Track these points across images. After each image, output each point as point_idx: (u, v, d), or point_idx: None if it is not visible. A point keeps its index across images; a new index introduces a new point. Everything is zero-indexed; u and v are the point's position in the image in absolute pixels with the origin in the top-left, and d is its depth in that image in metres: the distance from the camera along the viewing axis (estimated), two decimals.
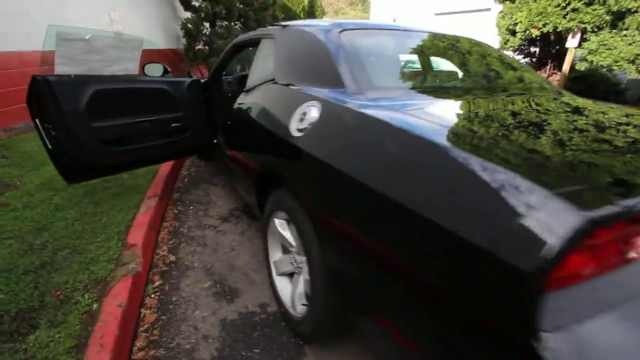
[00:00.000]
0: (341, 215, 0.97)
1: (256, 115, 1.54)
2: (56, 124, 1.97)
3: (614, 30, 5.89)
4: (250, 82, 1.85)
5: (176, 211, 2.53)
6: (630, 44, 5.56)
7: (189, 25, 7.68)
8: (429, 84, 1.44)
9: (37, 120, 1.99)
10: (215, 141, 2.97)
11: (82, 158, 2.11)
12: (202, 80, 2.76)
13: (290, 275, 1.56)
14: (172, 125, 2.53)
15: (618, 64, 5.87)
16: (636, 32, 5.50)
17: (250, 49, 2.39)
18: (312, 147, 1.03)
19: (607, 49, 6.00)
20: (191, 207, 2.60)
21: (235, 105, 1.88)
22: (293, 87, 1.31)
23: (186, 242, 2.13)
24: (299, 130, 1.12)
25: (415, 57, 1.67)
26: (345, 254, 1.00)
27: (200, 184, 3.05)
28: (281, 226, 1.51)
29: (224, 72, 2.81)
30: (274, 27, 1.78)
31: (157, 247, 2.06)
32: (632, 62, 5.67)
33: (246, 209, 2.59)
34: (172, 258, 1.95)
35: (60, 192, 2.51)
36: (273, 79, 1.54)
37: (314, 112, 1.09)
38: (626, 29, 5.65)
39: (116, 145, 2.24)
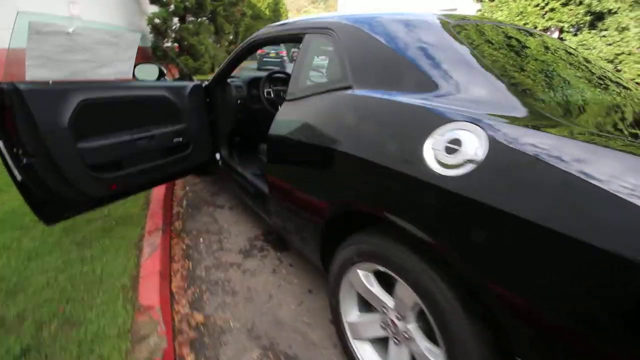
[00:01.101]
0: (549, 304, 0.64)
1: (329, 135, 1.15)
2: (29, 148, 1.46)
3: (593, 31, 6.05)
4: (297, 90, 1.46)
5: (184, 246, 2.06)
6: (609, 44, 5.73)
7: (157, 21, 6.96)
8: (574, 97, 1.11)
9: None
10: (218, 156, 2.53)
11: (65, 191, 1.61)
12: (204, 84, 2.32)
13: (378, 340, 1.21)
14: (174, 140, 2.07)
15: None
16: (615, 32, 5.67)
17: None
18: (491, 196, 0.69)
19: (586, 49, 6.17)
20: (201, 239, 2.14)
21: (280, 120, 1.48)
22: (404, 101, 0.95)
23: (209, 291, 1.69)
24: (447, 166, 0.77)
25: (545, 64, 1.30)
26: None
27: (203, 206, 2.59)
28: (367, 280, 1.15)
29: (230, 75, 2.37)
30: (326, 19, 1.40)
31: (174, 301, 1.61)
32: (611, 61, 5.85)
33: (269, 237, 2.18)
34: (199, 317, 1.51)
35: (30, 232, 1.95)
36: (348, 86, 1.17)
37: (474, 142, 0.74)
38: (605, 30, 5.82)
39: (109, 171, 1.75)
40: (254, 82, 2.56)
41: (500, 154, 0.72)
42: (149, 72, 2.07)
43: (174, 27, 7.32)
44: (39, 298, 1.45)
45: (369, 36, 1.19)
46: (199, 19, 7.85)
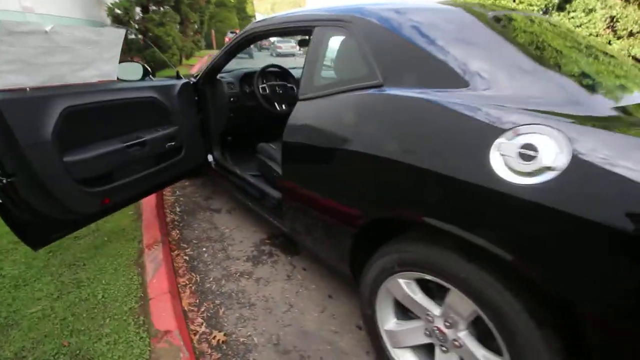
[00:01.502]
0: None
1: (366, 139, 1.06)
2: (8, 167, 1.28)
3: (561, 13, 6.25)
4: (312, 88, 1.35)
5: (186, 257, 1.93)
6: (578, 26, 5.94)
7: (118, 11, 6.44)
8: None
9: None
10: (210, 157, 2.39)
11: (52, 210, 1.44)
12: (192, 81, 2.15)
13: (420, 347, 1.17)
14: (167, 145, 1.91)
15: None
16: (582, 14, 5.88)
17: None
18: (577, 205, 0.64)
19: None
20: (204, 249, 2.01)
21: (298, 122, 1.37)
22: (461, 102, 0.88)
23: (225, 306, 1.59)
24: (521, 174, 0.71)
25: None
26: None
27: (198, 211, 2.44)
28: (410, 288, 1.10)
29: (220, 71, 2.21)
30: (342, 11, 1.29)
31: (188, 320, 1.49)
32: None
33: (276, 241, 2.09)
34: (220, 336, 1.41)
35: (10, 255, 1.75)
36: (378, 84, 1.09)
37: (552, 147, 0.69)
38: (573, 11, 6.02)
39: (100, 184, 1.58)
40: (246, 78, 2.40)
41: (585, 160, 0.67)
42: (132, 71, 1.87)
43: (137, 18, 6.82)
44: (36, 333, 1.30)
45: (397, 29, 1.10)
46: (163, 9, 7.36)
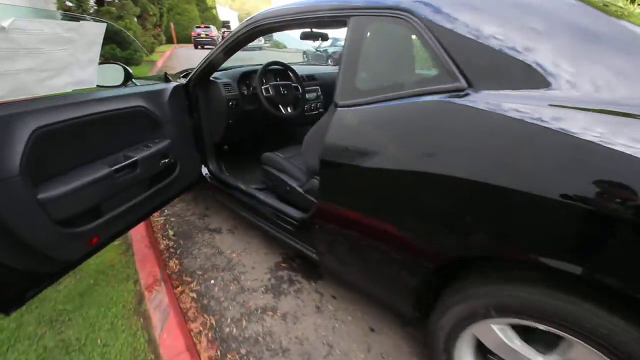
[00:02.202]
0: None
1: (457, 159, 0.84)
2: None
3: None
4: (355, 92, 1.11)
5: (193, 294, 1.64)
6: None
7: (69, 3, 5.75)
8: None
9: None
10: (205, 170, 2.09)
11: (27, 263, 1.12)
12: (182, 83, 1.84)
13: None
14: (161, 162, 1.60)
15: None
16: None
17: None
18: None
19: None
20: (212, 281, 1.73)
21: (342, 135, 1.12)
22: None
23: (254, 356, 1.33)
24: None
25: None
26: None
27: (195, 233, 2.13)
28: (505, 335, 0.91)
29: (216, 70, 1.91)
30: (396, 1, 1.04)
31: None
32: None
33: (293, 264, 1.85)
34: None
35: None
36: (460, 88, 0.87)
37: None
38: None
39: (87, 221, 1.26)
40: (244, 78, 2.10)
41: None
42: (111, 76, 1.54)
43: (91, 11, 6.13)
44: None
45: (484, 20, 0.89)
46: (120, 0, 6.68)
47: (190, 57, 11.67)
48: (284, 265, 1.85)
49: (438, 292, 1.06)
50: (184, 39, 20.76)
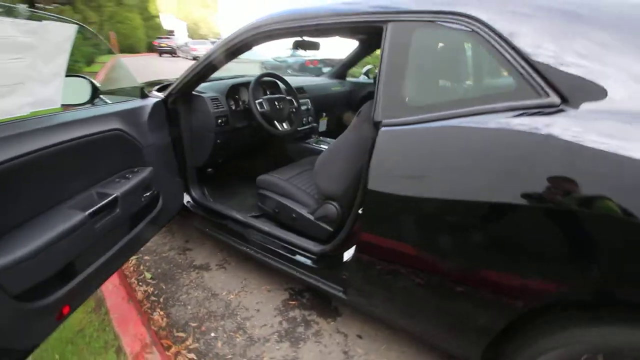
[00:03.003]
0: None
1: (562, 192, 0.69)
2: None
3: None
4: (406, 109, 0.93)
5: (192, 355, 1.33)
6: None
7: None
8: None
9: None
10: (187, 198, 1.81)
11: None
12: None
13: None
14: (143, 196, 1.31)
15: None
16: None
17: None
18: None
19: None
20: (212, 334, 1.43)
21: (391, 159, 0.94)
22: None
23: None
24: None
25: None
26: None
27: (179, 273, 1.81)
28: None
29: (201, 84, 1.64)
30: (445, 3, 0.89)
31: None
32: None
33: (303, 300, 1.61)
34: None
35: None
36: (552, 104, 0.73)
37: None
38: None
39: (55, 288, 0.95)
40: (233, 92, 1.84)
41: None
42: (76, 91, 1.22)
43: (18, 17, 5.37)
44: None
45: (570, 24, 0.76)
46: (56, 5, 5.96)
47: (138, 68, 10.80)
48: (292, 303, 1.61)
49: (518, 334, 0.91)
50: (127, 49, 19.50)
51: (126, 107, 1.29)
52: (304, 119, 2.16)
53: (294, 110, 1.98)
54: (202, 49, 20.48)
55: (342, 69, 2.65)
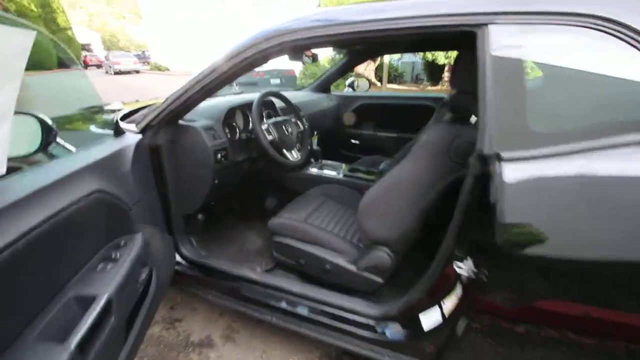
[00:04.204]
0: None
1: None
2: None
3: None
4: (536, 138, 0.71)
5: None
6: None
7: None
8: None
9: None
10: (177, 260, 1.43)
11: None
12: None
13: None
14: (140, 280, 0.92)
15: None
16: None
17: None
18: None
19: None
20: None
21: (531, 209, 0.69)
22: None
23: None
24: None
25: None
26: None
27: (174, 357, 1.37)
28: None
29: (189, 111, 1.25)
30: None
31: None
32: None
33: None
34: None
35: None
36: None
37: None
38: None
39: None
40: (229, 118, 1.45)
41: None
42: (21, 137, 0.78)
43: None
44: None
45: None
46: None
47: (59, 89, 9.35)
48: None
49: None
50: (35, 66, 17.03)
51: (101, 154, 0.88)
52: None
53: (302, 134, 1.66)
54: (126, 63, 18.76)
55: (326, 82, 2.39)
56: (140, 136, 1.08)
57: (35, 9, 18.78)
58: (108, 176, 0.84)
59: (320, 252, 1.28)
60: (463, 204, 0.83)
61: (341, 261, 1.24)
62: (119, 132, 1.04)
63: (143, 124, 1.15)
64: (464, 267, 0.87)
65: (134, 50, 29.63)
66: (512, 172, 0.72)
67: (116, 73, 18.23)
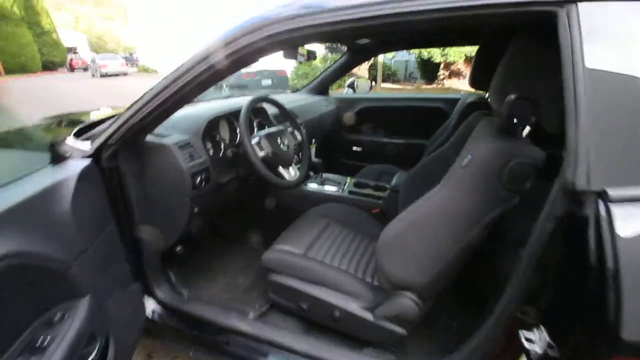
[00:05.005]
0: None
1: None
2: None
3: None
4: None
5: None
6: None
7: None
8: None
9: None
10: (152, 308, 1.16)
11: None
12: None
13: None
14: None
15: None
16: None
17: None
18: None
19: None
20: None
21: None
22: None
23: None
24: None
25: None
26: None
27: None
28: None
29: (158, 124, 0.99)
30: None
31: None
32: None
33: None
34: None
35: None
36: None
37: None
38: None
39: None
40: (212, 129, 1.19)
41: None
42: None
43: None
44: None
45: None
46: None
47: (38, 95, 8.98)
48: None
49: None
50: (18, 69, 16.74)
51: (21, 195, 0.62)
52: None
53: (298, 146, 1.40)
54: (113, 65, 18.23)
55: (323, 83, 2.14)
56: (88, 161, 0.82)
57: (17, 12, 18.20)
58: (28, 228, 0.58)
59: (326, 295, 1.03)
60: (535, 256, 0.59)
61: (354, 307, 1.00)
62: (56, 157, 0.77)
63: (97, 144, 0.89)
64: (535, 339, 0.63)
65: (121, 53, 28.98)
66: (627, 220, 0.47)
67: (102, 76, 17.70)
